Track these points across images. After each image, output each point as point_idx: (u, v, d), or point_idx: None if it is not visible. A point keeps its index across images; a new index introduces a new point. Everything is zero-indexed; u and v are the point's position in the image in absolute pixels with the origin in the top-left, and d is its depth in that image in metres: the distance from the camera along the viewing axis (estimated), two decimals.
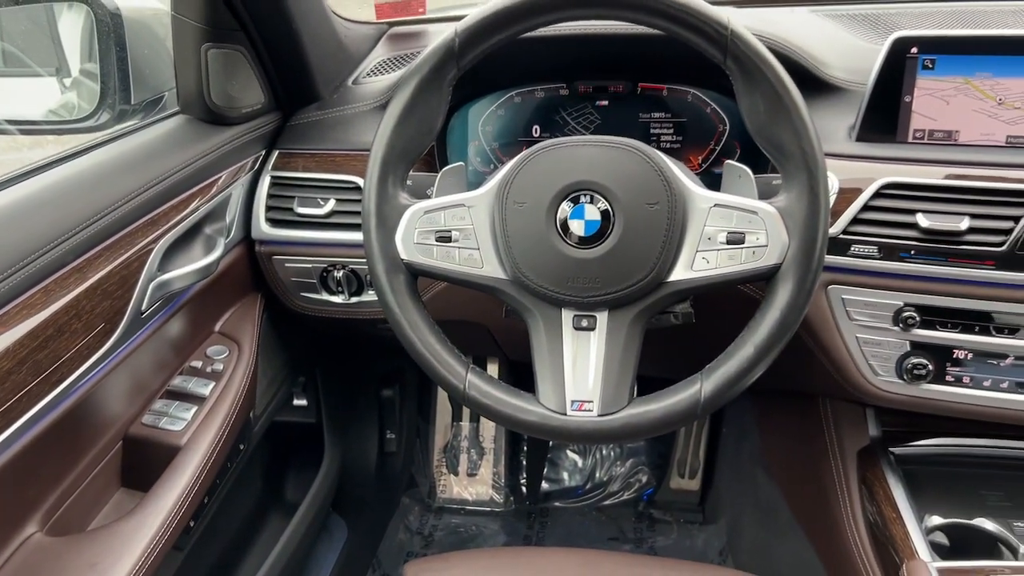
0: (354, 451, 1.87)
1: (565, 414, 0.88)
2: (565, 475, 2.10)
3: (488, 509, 2.05)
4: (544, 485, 2.08)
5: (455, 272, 0.91)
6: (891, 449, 1.20)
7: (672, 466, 2.01)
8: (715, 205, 0.86)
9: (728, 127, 1.26)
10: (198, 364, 1.20)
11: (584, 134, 1.31)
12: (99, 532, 0.96)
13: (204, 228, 1.20)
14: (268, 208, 1.29)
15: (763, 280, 0.86)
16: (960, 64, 1.05)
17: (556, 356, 0.89)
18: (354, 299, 1.31)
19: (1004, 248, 1.00)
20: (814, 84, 1.16)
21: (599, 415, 0.87)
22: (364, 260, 0.92)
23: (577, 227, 0.86)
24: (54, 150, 1.09)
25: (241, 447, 1.24)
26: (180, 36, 1.19)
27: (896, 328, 1.08)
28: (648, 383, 0.93)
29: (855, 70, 1.17)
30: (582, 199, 0.86)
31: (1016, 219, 1.00)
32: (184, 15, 1.17)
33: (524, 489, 2.07)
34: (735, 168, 0.96)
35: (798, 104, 0.83)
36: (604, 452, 2.10)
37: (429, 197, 0.95)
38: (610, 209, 0.86)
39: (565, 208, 0.87)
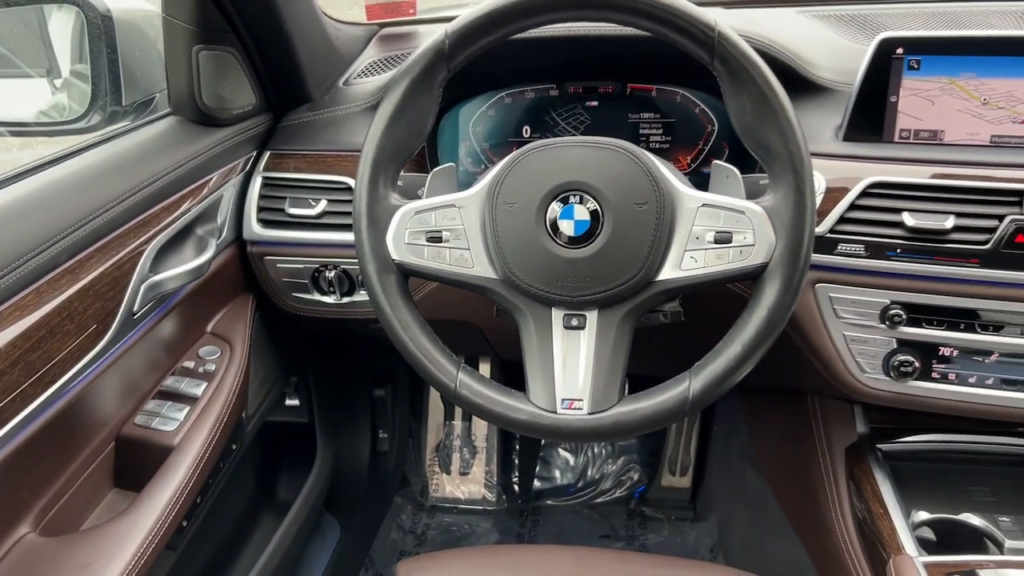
0: (346, 451, 1.87)
1: (555, 412, 0.89)
2: (557, 473, 2.10)
3: (481, 508, 2.06)
4: (536, 483, 2.09)
5: (446, 272, 0.92)
6: (879, 445, 1.21)
7: (663, 464, 2.02)
8: (703, 205, 0.87)
9: (717, 127, 1.27)
10: (190, 364, 1.20)
11: (574, 134, 1.31)
12: (92, 532, 0.96)
13: (196, 229, 1.21)
14: (260, 209, 1.29)
15: (750, 279, 0.87)
16: (945, 64, 1.06)
17: (546, 355, 0.90)
18: (346, 299, 1.31)
19: (988, 246, 1.01)
20: (801, 84, 1.17)
21: (589, 413, 0.88)
22: (356, 260, 0.93)
23: (567, 227, 0.87)
24: (45, 151, 1.09)
25: (233, 447, 1.24)
26: (171, 38, 1.20)
27: (883, 326, 1.09)
28: (639, 381, 0.94)
29: (842, 70, 1.18)
30: (571, 199, 0.87)
31: (1000, 218, 1.01)
32: (175, 17, 1.17)
33: (516, 487, 2.08)
34: (723, 168, 0.97)
35: (785, 105, 0.84)
36: (596, 450, 2.11)
37: (420, 198, 0.95)
38: (599, 209, 0.87)
39: (555, 208, 0.88)
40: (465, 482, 2.08)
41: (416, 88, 0.90)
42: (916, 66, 1.07)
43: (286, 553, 1.52)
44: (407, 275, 0.93)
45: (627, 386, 0.92)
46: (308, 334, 1.58)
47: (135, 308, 1.04)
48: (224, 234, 1.26)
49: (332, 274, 1.29)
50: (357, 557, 1.86)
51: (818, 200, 1.07)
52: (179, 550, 1.12)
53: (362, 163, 0.91)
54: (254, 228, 1.29)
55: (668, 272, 0.87)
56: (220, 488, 1.24)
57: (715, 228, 0.86)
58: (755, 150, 0.88)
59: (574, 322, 0.89)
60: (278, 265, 1.31)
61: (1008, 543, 1.02)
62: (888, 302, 1.08)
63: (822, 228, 1.06)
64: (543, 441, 2.10)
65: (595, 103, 1.31)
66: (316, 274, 1.30)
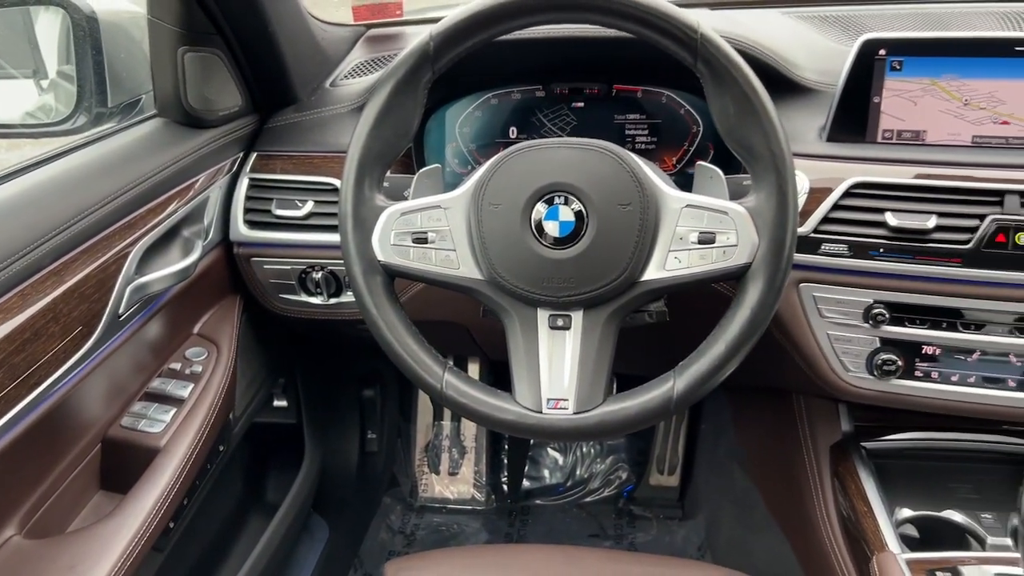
0: (335, 451, 1.87)
1: (541, 412, 0.89)
2: (546, 473, 2.11)
3: (470, 507, 2.06)
4: (525, 483, 2.10)
5: (432, 273, 0.92)
6: (863, 444, 1.22)
7: (651, 462, 2.03)
8: (686, 206, 0.88)
9: (702, 128, 1.28)
10: (177, 366, 1.20)
11: (560, 135, 1.32)
12: (78, 534, 0.96)
13: (182, 231, 1.21)
14: (246, 210, 1.29)
15: (734, 279, 0.87)
16: (927, 66, 1.07)
17: (532, 355, 0.90)
18: (333, 300, 1.32)
19: (970, 246, 1.02)
20: (785, 85, 1.18)
21: (574, 413, 0.88)
22: (342, 261, 0.93)
23: (552, 228, 0.87)
24: (33, 152, 1.09)
25: (221, 448, 1.24)
26: (156, 39, 1.19)
27: (866, 325, 1.10)
28: (628, 381, 0.94)
29: (825, 71, 1.19)
30: (556, 200, 0.88)
31: (981, 217, 1.02)
32: (160, 18, 1.17)
33: (505, 487, 2.09)
34: (706, 169, 0.97)
35: (767, 106, 0.85)
36: (584, 449, 2.11)
37: (406, 199, 0.95)
38: (584, 210, 0.87)
39: (540, 209, 0.88)
40: (454, 482, 2.09)
41: (401, 90, 0.90)
42: (898, 67, 1.08)
43: (274, 554, 1.52)
44: (393, 276, 0.93)
45: (615, 386, 0.92)
46: (296, 335, 1.58)
47: (121, 310, 1.04)
48: (211, 235, 1.26)
49: (319, 275, 1.29)
50: (346, 558, 1.86)
51: (802, 200, 1.08)
52: (166, 551, 1.12)
53: (347, 165, 0.91)
54: (241, 229, 1.29)
55: (652, 272, 0.88)
56: (207, 490, 1.24)
57: (699, 229, 0.87)
58: (738, 151, 0.88)
59: (559, 322, 0.90)
60: (265, 266, 1.31)
61: (990, 539, 1.03)
62: (871, 301, 1.08)
63: (806, 228, 1.07)
64: (532, 441, 2.10)
65: (581, 104, 1.31)
66: (303, 275, 1.30)
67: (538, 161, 0.90)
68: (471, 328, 1.36)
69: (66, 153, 1.09)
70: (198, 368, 1.20)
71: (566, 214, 0.87)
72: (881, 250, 1.05)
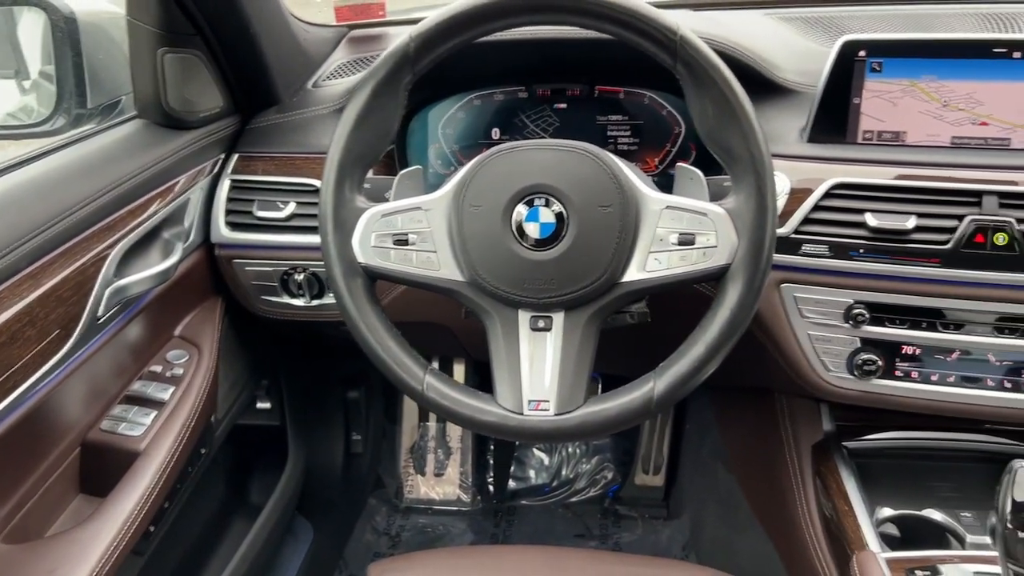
0: (319, 453, 1.86)
1: (522, 414, 0.89)
2: (532, 473, 2.11)
3: (455, 508, 2.06)
4: (511, 483, 2.09)
5: (412, 275, 0.92)
6: (844, 443, 1.22)
7: (637, 462, 2.03)
8: (667, 207, 0.88)
9: (684, 129, 1.28)
10: (158, 369, 1.19)
11: (543, 137, 1.32)
12: (56, 539, 0.96)
13: (162, 232, 1.20)
14: (228, 212, 1.29)
15: (714, 280, 0.88)
16: (906, 67, 1.08)
17: (513, 357, 0.90)
18: (315, 302, 1.31)
19: (949, 246, 1.03)
20: (766, 86, 1.18)
21: (556, 414, 0.88)
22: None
23: (532, 230, 0.87)
24: (15, 153, 1.08)
25: (203, 451, 1.24)
26: (135, 40, 1.19)
27: (847, 325, 1.10)
28: (614, 381, 0.94)
29: (806, 72, 1.19)
30: (537, 202, 0.88)
31: (960, 218, 1.03)
32: (138, 19, 1.17)
33: (491, 488, 2.08)
34: (687, 170, 0.98)
35: (746, 108, 0.85)
36: (570, 449, 2.11)
37: (387, 200, 0.95)
38: (564, 212, 0.87)
39: (520, 211, 0.88)
40: (440, 483, 2.08)
41: (381, 91, 0.90)
42: (878, 68, 1.09)
43: (257, 556, 1.51)
44: (374, 278, 0.93)
45: (601, 386, 0.93)
46: (279, 337, 1.57)
47: (100, 313, 1.03)
48: (192, 237, 1.26)
49: (301, 277, 1.28)
50: (330, 559, 1.85)
51: (782, 201, 1.08)
52: (146, 555, 1.11)
53: (327, 166, 0.91)
54: (222, 231, 1.28)
55: (633, 274, 0.88)
56: (189, 493, 1.23)
57: (678, 230, 0.87)
58: (717, 152, 0.89)
59: (540, 324, 0.90)
60: (247, 268, 1.30)
61: (969, 538, 1.04)
62: (851, 301, 1.09)
63: (786, 229, 1.08)
64: (517, 442, 2.10)
65: (564, 105, 1.31)
66: (285, 277, 1.30)
67: (518, 163, 0.90)
68: (455, 329, 1.36)
69: (44, 155, 1.08)
70: (179, 371, 1.20)
71: (547, 216, 0.87)
72: (861, 251, 1.06)
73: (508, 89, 1.32)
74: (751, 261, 0.85)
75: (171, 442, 1.09)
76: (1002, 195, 1.02)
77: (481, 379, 1.86)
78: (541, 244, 0.87)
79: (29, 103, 1.43)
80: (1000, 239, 1.01)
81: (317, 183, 1.24)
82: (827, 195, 1.07)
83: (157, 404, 1.13)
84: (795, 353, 1.13)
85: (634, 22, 0.84)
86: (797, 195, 1.08)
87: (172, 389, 1.16)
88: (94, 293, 1.02)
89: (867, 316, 1.08)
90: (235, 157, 1.32)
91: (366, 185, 0.96)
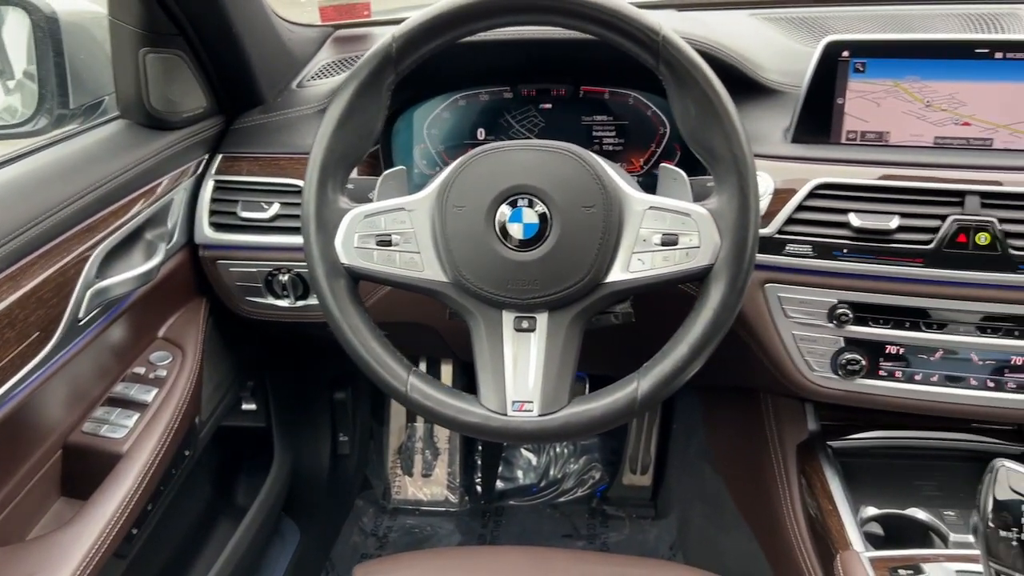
0: (306, 454, 1.86)
1: (506, 415, 0.89)
2: (520, 473, 2.11)
3: (443, 509, 2.05)
4: (499, 484, 2.09)
5: (396, 276, 0.91)
6: (829, 443, 1.23)
7: (624, 462, 2.03)
8: (650, 207, 0.88)
9: (668, 130, 1.28)
10: (141, 371, 1.19)
11: (528, 137, 1.32)
12: (37, 542, 0.95)
13: (145, 233, 1.19)
14: (211, 212, 1.28)
15: (697, 280, 0.88)
16: (889, 67, 1.08)
17: (497, 357, 0.90)
18: (300, 303, 1.30)
19: (931, 246, 1.03)
20: (750, 87, 1.19)
21: (539, 415, 0.88)
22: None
23: (516, 230, 0.87)
24: (2, 151, 1.07)
25: (186, 453, 1.23)
26: (117, 40, 1.18)
27: (830, 325, 1.10)
28: (601, 381, 0.94)
29: (790, 72, 1.20)
30: (520, 203, 0.87)
31: (943, 218, 1.03)
32: (120, 19, 1.16)
33: (479, 488, 2.08)
34: (670, 171, 0.98)
35: (728, 109, 0.85)
36: (558, 450, 2.11)
37: (371, 201, 0.95)
38: (547, 212, 0.87)
39: (504, 211, 0.88)
40: (427, 484, 2.08)
41: (363, 92, 0.90)
42: (862, 69, 1.09)
43: (243, 558, 1.51)
44: (357, 279, 0.93)
45: (588, 386, 0.92)
46: (264, 338, 1.56)
47: (80, 314, 1.02)
48: (175, 238, 1.25)
49: (286, 278, 1.28)
50: (317, 561, 1.85)
51: (766, 201, 1.08)
52: (128, 558, 1.10)
53: (310, 167, 0.91)
54: (206, 232, 1.28)
55: (616, 274, 0.88)
56: (173, 495, 1.23)
57: (662, 230, 0.87)
58: (700, 153, 0.89)
59: (524, 324, 0.89)
60: (231, 269, 1.30)
61: (953, 536, 1.05)
62: (835, 301, 1.09)
63: (770, 229, 1.08)
64: (501, 442, 2.10)
65: (549, 105, 1.31)
66: (269, 278, 1.29)
67: (502, 163, 0.89)
68: (440, 330, 1.36)
69: (26, 155, 1.07)
70: (163, 372, 1.19)
71: (530, 216, 0.87)
72: (845, 250, 1.06)
73: (493, 89, 1.32)
74: (734, 261, 0.85)
75: (154, 444, 1.08)
76: (984, 195, 1.03)
77: (469, 380, 1.86)
78: (525, 245, 0.87)
79: (12, 103, 1.42)
80: (982, 239, 1.02)
81: (301, 183, 1.23)
82: (811, 195, 1.08)
83: (140, 406, 1.12)
84: (779, 353, 1.14)
85: (616, 22, 0.84)
86: (781, 195, 1.08)
87: (155, 391, 1.15)
88: (75, 295, 1.01)
89: (851, 316, 1.09)
90: (219, 157, 1.31)
91: (349, 186, 0.96)
